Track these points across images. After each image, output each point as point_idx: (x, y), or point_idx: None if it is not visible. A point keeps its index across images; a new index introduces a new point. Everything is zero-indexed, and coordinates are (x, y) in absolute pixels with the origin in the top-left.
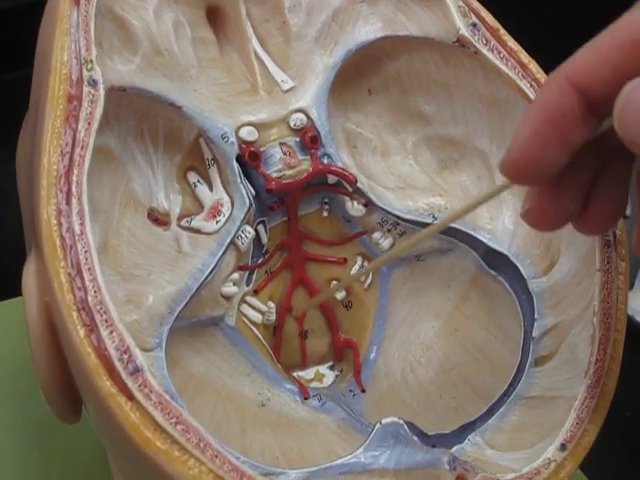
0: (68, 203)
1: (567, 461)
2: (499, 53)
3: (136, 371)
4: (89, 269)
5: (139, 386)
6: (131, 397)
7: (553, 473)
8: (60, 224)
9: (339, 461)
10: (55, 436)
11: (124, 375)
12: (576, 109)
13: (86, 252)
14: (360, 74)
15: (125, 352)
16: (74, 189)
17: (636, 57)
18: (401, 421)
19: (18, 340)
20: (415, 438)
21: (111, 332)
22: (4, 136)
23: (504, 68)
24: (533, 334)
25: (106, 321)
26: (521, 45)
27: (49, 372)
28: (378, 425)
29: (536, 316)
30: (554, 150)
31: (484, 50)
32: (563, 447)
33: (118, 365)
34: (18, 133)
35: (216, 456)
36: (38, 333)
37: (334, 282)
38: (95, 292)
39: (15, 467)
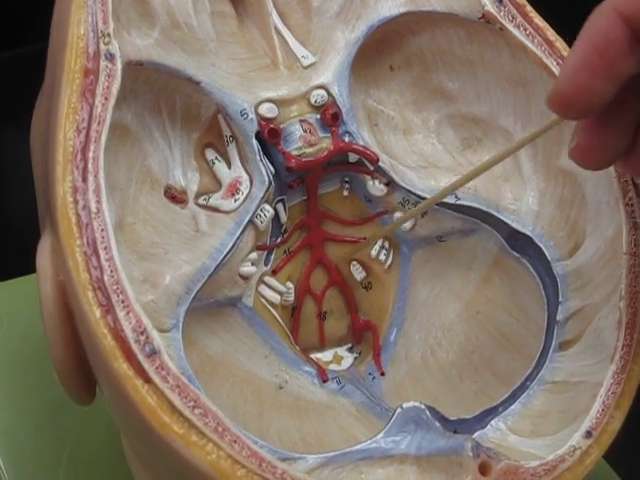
0: (84, 180)
1: (592, 449)
2: (525, 30)
3: (153, 353)
4: (105, 248)
5: (156, 368)
6: (148, 380)
7: (578, 461)
8: (76, 201)
9: (359, 446)
10: (68, 417)
11: (141, 357)
12: (623, 39)
13: (102, 230)
14: (382, 50)
15: (142, 333)
16: (90, 166)
17: None
18: (423, 406)
19: (33, 318)
20: (437, 423)
21: (128, 313)
22: (18, 111)
23: (530, 45)
24: (557, 317)
25: (123, 301)
26: (548, 23)
27: (63, 353)
28: (399, 409)
29: (560, 299)
30: (602, 80)
31: (510, 27)
32: (588, 434)
33: (135, 347)
34: (32, 108)
35: (235, 441)
36: (52, 312)
37: (354, 262)
38: (111, 271)
39: (28, 447)
